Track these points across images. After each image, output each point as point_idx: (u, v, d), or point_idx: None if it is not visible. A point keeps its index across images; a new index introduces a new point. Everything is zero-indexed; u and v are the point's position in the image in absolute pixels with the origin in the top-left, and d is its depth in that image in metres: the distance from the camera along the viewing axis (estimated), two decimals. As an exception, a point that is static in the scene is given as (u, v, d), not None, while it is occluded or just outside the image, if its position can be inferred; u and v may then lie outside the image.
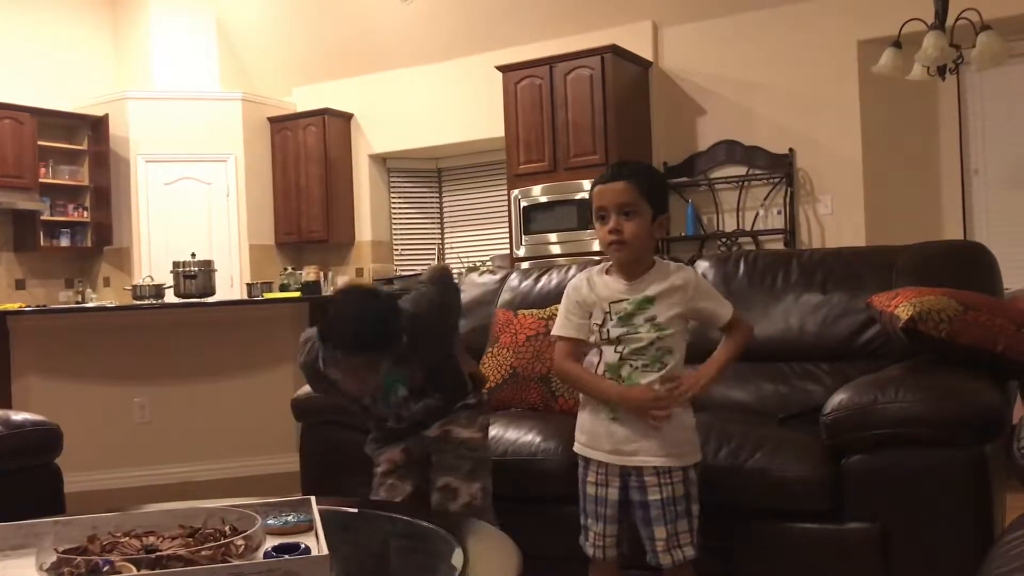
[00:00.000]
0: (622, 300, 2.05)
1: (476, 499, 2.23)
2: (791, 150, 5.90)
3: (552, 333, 2.19)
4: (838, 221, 5.78)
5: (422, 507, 2.24)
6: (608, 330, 2.06)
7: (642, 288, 2.05)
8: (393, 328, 2.05)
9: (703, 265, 3.10)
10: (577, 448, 2.13)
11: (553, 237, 6.13)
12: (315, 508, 1.65)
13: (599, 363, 2.07)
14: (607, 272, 2.11)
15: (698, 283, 2.09)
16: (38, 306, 5.96)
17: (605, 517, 2.06)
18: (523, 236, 6.24)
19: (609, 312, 2.06)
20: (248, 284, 6.39)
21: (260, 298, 5.67)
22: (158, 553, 1.36)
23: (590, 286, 2.11)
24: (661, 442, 2.00)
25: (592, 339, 2.09)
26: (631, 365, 2.03)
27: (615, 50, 5.91)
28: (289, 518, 1.67)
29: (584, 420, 2.12)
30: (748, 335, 2.16)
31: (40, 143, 7.23)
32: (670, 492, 2.00)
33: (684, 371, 2.09)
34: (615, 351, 2.05)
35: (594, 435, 2.07)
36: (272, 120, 7.87)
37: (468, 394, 2.38)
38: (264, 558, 1.42)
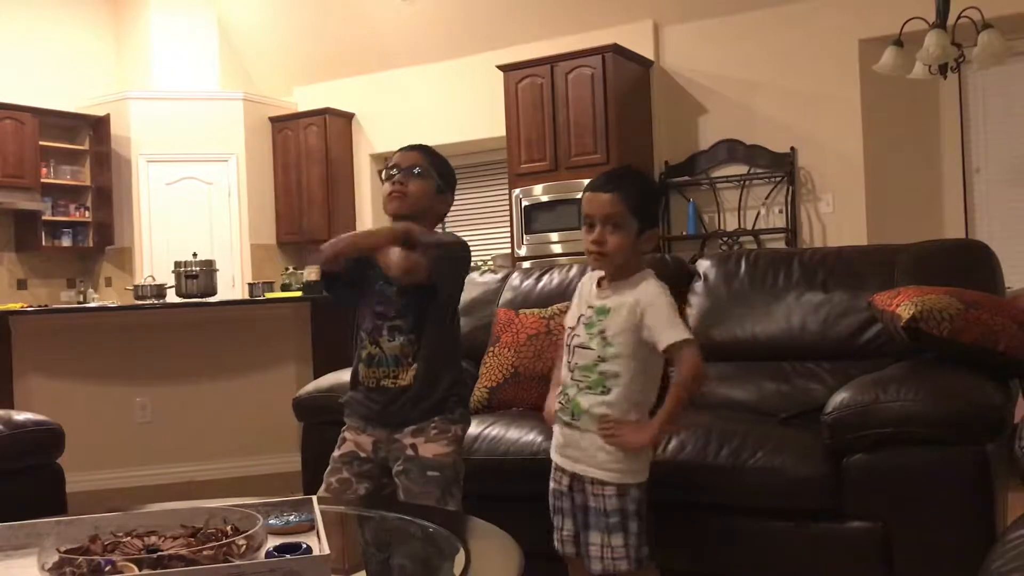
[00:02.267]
0: (592, 306, 2.07)
1: None
2: (792, 149, 5.89)
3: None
4: (839, 220, 5.78)
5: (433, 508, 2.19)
6: (571, 336, 2.09)
7: (606, 296, 2.06)
8: (448, 166, 2.30)
9: (704, 264, 3.10)
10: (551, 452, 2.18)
11: (554, 236, 6.13)
12: (316, 508, 1.65)
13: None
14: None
15: (653, 301, 1.99)
16: (40, 306, 5.96)
17: (563, 511, 2.09)
18: (524, 235, 6.24)
19: (583, 315, 2.08)
20: (250, 284, 6.40)
21: (262, 298, 5.67)
22: (160, 553, 1.36)
23: (585, 285, 2.16)
24: (601, 457, 2.01)
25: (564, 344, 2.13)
26: (577, 385, 2.05)
27: (616, 49, 5.91)
28: (291, 518, 1.67)
29: (555, 425, 2.16)
30: (688, 372, 1.96)
31: (41, 143, 7.24)
32: (602, 504, 2.00)
33: (643, 399, 2.04)
34: (568, 368, 2.08)
35: (555, 437, 2.13)
36: (273, 120, 7.87)
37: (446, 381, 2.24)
38: (266, 558, 1.42)
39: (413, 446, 2.17)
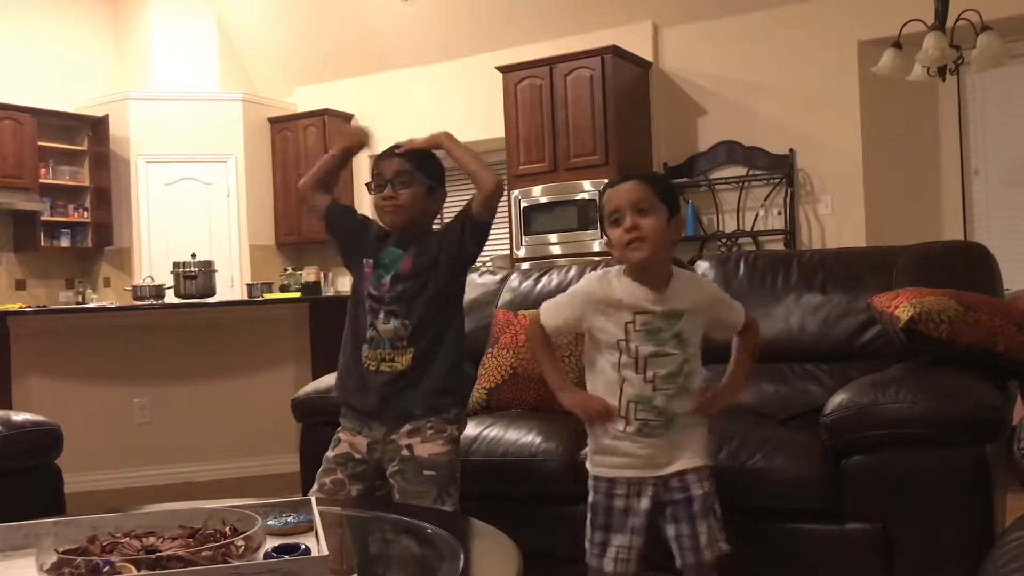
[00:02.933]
0: (648, 311, 1.95)
1: None
2: (791, 151, 5.90)
3: (540, 309, 2.08)
4: (838, 222, 5.79)
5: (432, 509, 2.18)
6: (635, 347, 1.94)
7: (671, 299, 1.96)
8: (433, 160, 2.28)
9: (703, 266, 3.10)
10: (599, 471, 2.02)
11: (553, 238, 6.13)
12: (315, 509, 1.65)
13: (621, 396, 1.96)
14: (626, 275, 2.00)
15: (718, 293, 2.09)
16: (38, 306, 5.96)
17: (634, 528, 1.97)
18: (523, 237, 6.24)
19: (633, 322, 1.95)
20: (248, 285, 6.40)
21: (260, 299, 5.68)
22: (158, 554, 1.36)
23: (610, 286, 1.99)
24: (693, 446, 1.99)
25: (611, 360, 1.98)
26: (665, 395, 1.95)
27: (615, 51, 5.92)
28: (289, 519, 1.67)
29: (603, 442, 2.00)
30: (758, 335, 2.15)
31: (40, 143, 7.24)
32: (709, 487, 1.98)
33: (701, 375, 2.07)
34: (645, 380, 1.95)
35: (620, 454, 1.99)
36: (272, 120, 7.87)
37: (444, 373, 2.22)
38: (264, 559, 1.42)
39: (409, 446, 2.17)
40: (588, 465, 2.06)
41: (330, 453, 2.27)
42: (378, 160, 2.26)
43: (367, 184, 2.33)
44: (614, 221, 1.97)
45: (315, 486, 2.25)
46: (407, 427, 2.18)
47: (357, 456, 2.24)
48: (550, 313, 2.06)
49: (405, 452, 2.17)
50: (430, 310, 2.20)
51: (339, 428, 2.31)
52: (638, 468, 1.98)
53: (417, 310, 2.19)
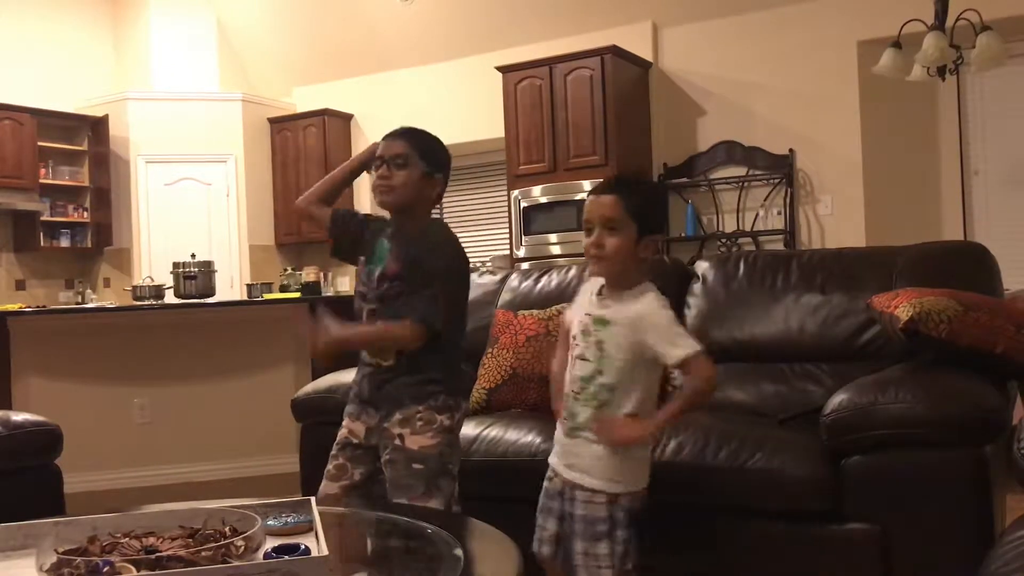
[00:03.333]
0: (588, 314, 2.06)
1: None
2: (791, 151, 5.90)
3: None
4: (838, 222, 5.78)
5: (361, 499, 2.24)
6: (574, 344, 2.07)
7: (606, 307, 2.04)
8: (435, 147, 2.30)
9: (703, 266, 3.10)
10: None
11: (553, 238, 6.13)
12: (315, 509, 1.65)
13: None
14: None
15: (655, 318, 1.97)
16: (38, 307, 5.97)
17: (551, 511, 2.08)
18: (523, 237, 6.24)
19: (583, 322, 2.06)
20: (248, 285, 6.40)
21: (260, 299, 5.68)
22: (158, 554, 1.36)
23: (583, 286, 2.16)
24: (595, 465, 1.99)
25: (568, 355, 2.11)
26: (575, 395, 2.04)
27: (615, 51, 5.91)
28: (289, 519, 1.67)
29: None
30: (704, 382, 1.94)
31: (40, 144, 7.23)
32: (592, 512, 1.98)
33: (641, 414, 2.00)
34: (570, 376, 2.06)
35: (556, 438, 2.12)
36: (272, 121, 7.87)
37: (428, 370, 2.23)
38: (264, 559, 1.42)
39: (400, 436, 2.20)
40: None
41: (337, 440, 2.34)
42: (383, 140, 2.32)
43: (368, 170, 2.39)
44: (587, 229, 2.04)
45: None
46: (398, 415, 2.21)
47: (355, 441, 2.30)
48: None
49: (396, 442, 2.20)
50: (412, 310, 2.18)
51: (350, 398, 2.38)
52: (556, 461, 2.09)
53: (399, 312, 2.19)
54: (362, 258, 2.33)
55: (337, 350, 2.21)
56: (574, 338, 2.08)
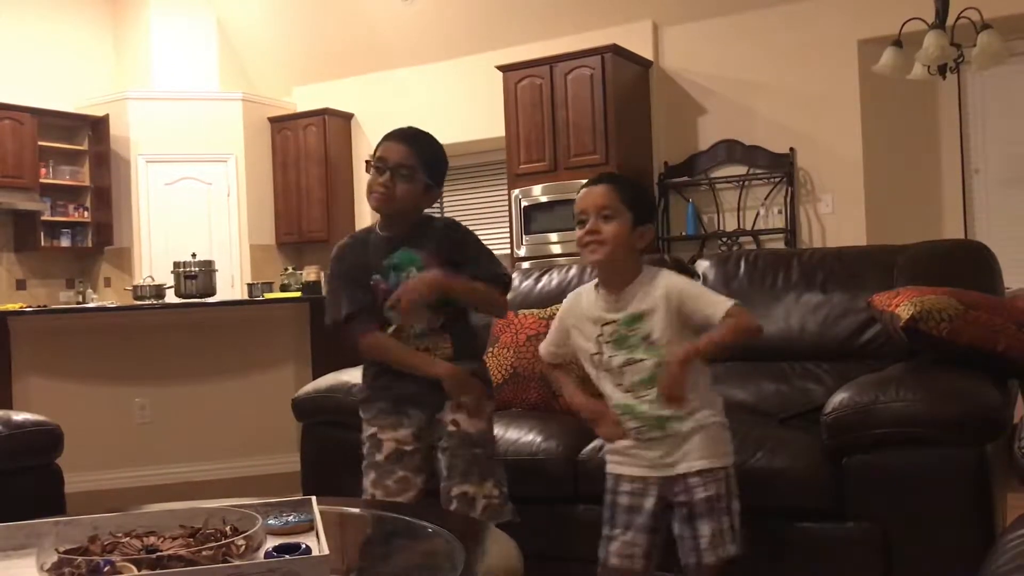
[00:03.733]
0: (610, 321, 2.01)
1: (493, 499, 2.17)
2: (792, 149, 5.90)
3: (541, 346, 2.23)
4: (839, 220, 5.78)
5: (434, 507, 2.18)
6: (608, 359, 2.01)
7: (628, 302, 2.01)
8: (439, 157, 2.26)
9: (704, 265, 3.10)
10: (609, 467, 2.09)
11: (554, 237, 6.13)
12: (316, 508, 1.65)
13: (612, 403, 2.05)
14: (596, 288, 2.07)
15: (682, 286, 2.01)
16: (39, 306, 5.96)
17: (637, 527, 2.02)
18: (523, 236, 6.24)
19: (602, 335, 2.02)
20: (249, 284, 6.39)
21: (261, 298, 5.67)
22: (159, 553, 1.36)
23: (579, 303, 2.09)
24: (701, 447, 1.98)
25: (593, 375, 2.07)
26: (646, 401, 1.98)
27: (615, 50, 5.91)
28: (290, 518, 1.67)
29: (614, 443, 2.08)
30: (746, 322, 1.96)
31: (40, 143, 7.24)
32: (714, 490, 1.98)
33: (703, 383, 2.03)
34: (624, 390, 2.00)
35: (625, 453, 2.04)
36: (272, 120, 7.87)
37: (478, 355, 2.37)
38: (265, 558, 1.42)
39: (455, 421, 2.19)
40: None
41: (378, 457, 2.22)
42: (385, 140, 2.24)
43: (367, 160, 2.31)
44: (580, 222, 2.03)
45: (371, 493, 2.21)
46: (449, 402, 2.21)
47: (408, 448, 2.22)
48: (544, 344, 2.20)
49: (451, 428, 2.19)
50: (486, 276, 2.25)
51: (369, 434, 2.27)
52: (643, 467, 2.01)
53: (460, 323, 2.27)
54: (377, 276, 2.24)
55: (437, 291, 2.16)
56: (596, 355, 2.03)
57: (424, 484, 2.22)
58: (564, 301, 2.17)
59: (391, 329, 2.24)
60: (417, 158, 2.22)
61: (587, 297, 2.09)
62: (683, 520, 1.99)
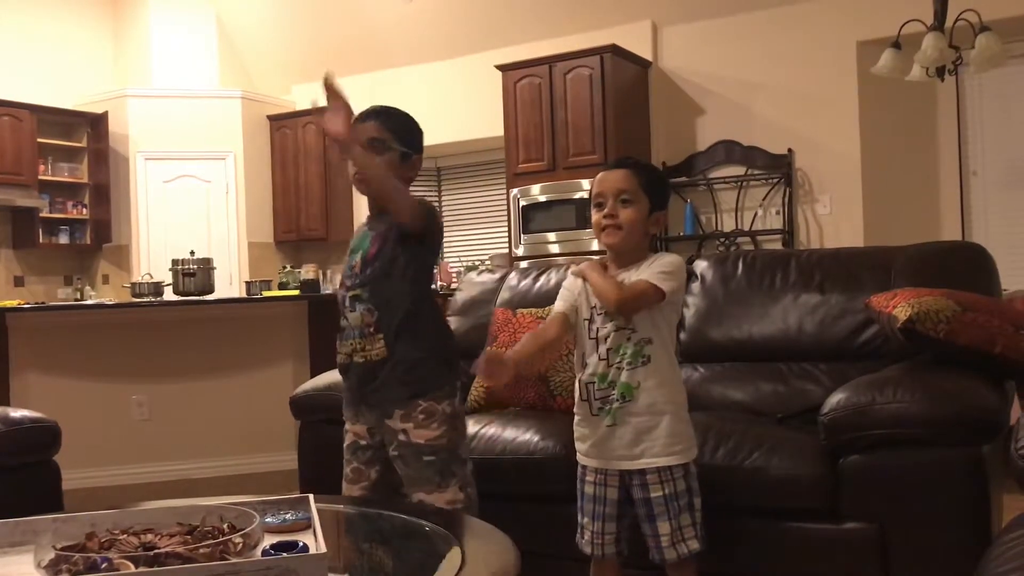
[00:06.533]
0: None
1: (457, 503, 2.14)
2: (790, 150, 5.90)
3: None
4: (837, 221, 5.79)
5: (388, 496, 2.21)
6: (596, 328, 2.06)
7: (625, 278, 2.05)
8: (411, 125, 2.21)
9: (702, 265, 3.11)
10: (578, 457, 2.13)
11: (552, 236, 6.13)
12: (313, 506, 1.65)
13: (584, 375, 2.07)
14: (604, 267, 2.12)
15: (657, 267, 2.03)
16: (37, 303, 5.95)
17: (604, 516, 2.07)
18: (522, 235, 6.24)
19: (596, 305, 2.07)
20: (247, 282, 6.40)
21: (259, 296, 5.67)
22: (156, 551, 1.37)
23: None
24: (661, 443, 2.01)
25: (586, 342, 2.09)
26: (617, 368, 2.03)
27: (615, 50, 5.91)
28: (288, 516, 1.67)
29: (581, 429, 2.11)
30: (631, 291, 1.99)
31: (39, 140, 7.23)
32: (672, 488, 2.01)
33: (676, 375, 2.10)
34: (600, 356, 2.04)
35: (592, 443, 2.07)
36: (271, 118, 7.87)
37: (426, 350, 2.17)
38: (262, 556, 1.42)
39: (404, 431, 2.15)
40: None
41: (344, 445, 2.31)
42: (354, 123, 2.16)
43: None
44: (597, 204, 2.07)
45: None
46: (398, 411, 2.15)
47: (363, 443, 2.25)
48: (557, 299, 2.19)
49: (401, 437, 2.15)
50: (397, 291, 2.14)
51: (344, 403, 2.34)
52: (603, 459, 2.06)
53: (383, 293, 2.14)
54: (346, 258, 2.26)
55: (343, 139, 2.06)
56: (587, 321, 2.08)
57: (379, 476, 2.23)
58: (568, 276, 2.20)
59: (341, 323, 2.22)
60: (386, 129, 2.19)
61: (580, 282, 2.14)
62: (643, 519, 2.04)
